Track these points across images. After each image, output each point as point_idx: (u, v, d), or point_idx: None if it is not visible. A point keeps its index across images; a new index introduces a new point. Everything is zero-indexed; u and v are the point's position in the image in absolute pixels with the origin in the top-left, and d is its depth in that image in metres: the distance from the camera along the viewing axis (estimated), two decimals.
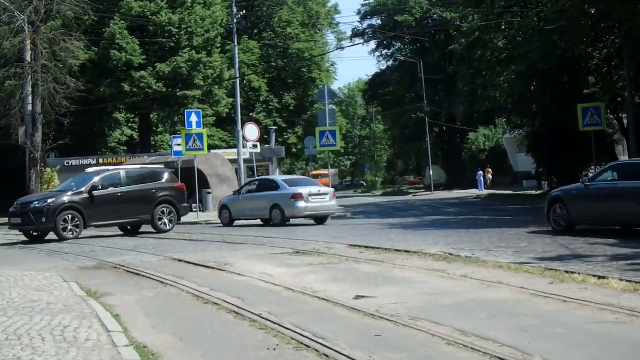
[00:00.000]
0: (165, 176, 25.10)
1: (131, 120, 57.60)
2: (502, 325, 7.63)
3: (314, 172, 78.71)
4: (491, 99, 41.72)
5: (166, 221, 24.43)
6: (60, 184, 28.42)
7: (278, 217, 25.46)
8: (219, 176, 39.64)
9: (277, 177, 28.47)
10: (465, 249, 14.42)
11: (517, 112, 39.69)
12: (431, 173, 61.55)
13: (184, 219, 27.41)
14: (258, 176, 35.76)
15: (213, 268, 13.25)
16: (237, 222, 27.18)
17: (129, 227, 24.82)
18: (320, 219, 25.98)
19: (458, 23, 51.40)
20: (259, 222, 26.82)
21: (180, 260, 14.81)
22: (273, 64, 63.56)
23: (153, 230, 24.26)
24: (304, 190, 25.34)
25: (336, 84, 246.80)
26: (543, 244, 14.82)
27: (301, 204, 25.15)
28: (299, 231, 22.15)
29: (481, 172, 54.39)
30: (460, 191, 55.89)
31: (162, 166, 27.87)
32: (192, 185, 32.80)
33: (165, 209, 24.45)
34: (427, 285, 10.25)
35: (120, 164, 42.41)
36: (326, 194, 25.93)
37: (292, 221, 25.84)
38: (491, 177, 55.60)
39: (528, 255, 13.21)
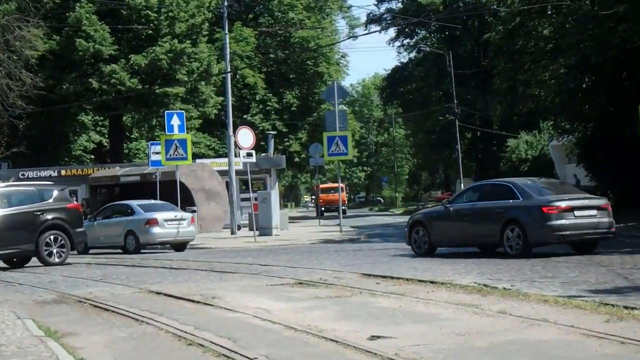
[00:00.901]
0: (54, 195, 23.95)
1: (100, 123, 57.72)
2: None
3: (323, 186, 78.28)
4: (535, 98, 41.65)
5: (55, 251, 23.22)
6: None
7: (132, 244, 28.35)
8: (205, 191, 39.70)
9: (133, 201, 30.69)
10: (503, 280, 14.44)
11: (565, 114, 39.60)
12: (462, 187, 61.47)
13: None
14: (253, 191, 35.84)
15: (198, 302, 13.27)
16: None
17: (15, 259, 23.77)
18: (178, 246, 29.37)
19: (495, 7, 51.48)
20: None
21: (158, 293, 14.84)
22: (272, 55, 63.70)
23: (125, 256, 24.23)
24: (159, 216, 28.62)
25: (348, 79, 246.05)
26: (597, 274, 14.82)
27: (156, 230, 28.44)
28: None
29: None
30: None
31: (52, 183, 26.95)
32: (173, 202, 32.87)
33: (53, 236, 23.26)
34: (456, 324, 10.25)
35: (87, 175, 42.63)
36: (183, 220, 29.21)
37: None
38: None
39: (579, 287, 13.21)
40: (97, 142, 58.22)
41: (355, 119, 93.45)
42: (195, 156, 45.60)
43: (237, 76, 57.32)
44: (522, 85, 42.20)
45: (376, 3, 76.02)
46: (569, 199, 19.39)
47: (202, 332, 10.28)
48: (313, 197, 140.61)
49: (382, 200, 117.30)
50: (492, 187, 21.35)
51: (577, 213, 19.06)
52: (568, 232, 18.90)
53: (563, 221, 18.83)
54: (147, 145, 39.95)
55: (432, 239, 21.13)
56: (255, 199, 35.28)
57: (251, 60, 60.10)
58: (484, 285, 13.63)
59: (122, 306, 13.10)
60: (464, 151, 65.99)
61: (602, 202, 20.38)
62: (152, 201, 31.73)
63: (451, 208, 21.04)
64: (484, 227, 19.89)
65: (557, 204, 19.00)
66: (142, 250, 28.42)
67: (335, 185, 74.59)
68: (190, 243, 30.53)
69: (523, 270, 15.95)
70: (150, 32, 45.37)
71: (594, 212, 19.46)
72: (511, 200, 19.53)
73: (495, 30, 46.49)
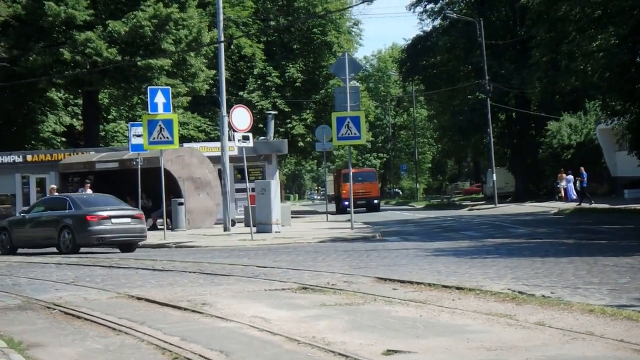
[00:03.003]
0: None
1: (72, 101, 57.73)
2: None
3: (346, 171, 73.42)
4: (580, 74, 41.59)
5: None
6: None
7: None
8: (194, 180, 39.74)
9: None
10: (542, 286, 14.42)
11: (616, 92, 39.55)
12: (494, 178, 61.49)
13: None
14: (250, 181, 35.83)
15: (185, 309, 13.27)
16: None
17: None
18: None
19: None
20: None
21: (139, 298, 14.83)
22: (272, 22, 63.66)
23: (96, 253, 24.27)
24: None
25: (361, 51, 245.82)
26: None
27: None
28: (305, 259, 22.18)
29: (570, 177, 54.04)
30: (535, 204, 55.76)
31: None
32: (156, 192, 32.89)
33: None
34: (487, 337, 10.24)
35: (58, 161, 42.66)
36: None
37: None
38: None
39: (630, 294, 13.17)
40: (68, 124, 58.18)
41: (370, 97, 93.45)
42: (182, 139, 45.61)
43: (232, 46, 57.34)
44: (565, 59, 42.08)
45: None
46: (110, 209, 28.37)
47: (190, 344, 10.28)
48: (321, 187, 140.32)
49: (401, 192, 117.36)
50: (55, 200, 31.08)
51: (114, 221, 28.02)
52: (106, 236, 27.88)
53: (102, 227, 27.80)
54: (127, 127, 39.94)
55: (14, 241, 29.96)
56: (253, 189, 35.27)
57: (248, 28, 60.07)
58: (519, 292, 13.61)
59: (96, 313, 13.10)
60: (496, 135, 65.96)
61: (136, 212, 29.56)
62: None
63: (26, 216, 30.31)
64: (48, 231, 28.83)
65: (99, 213, 27.96)
66: None
67: (363, 170, 74.17)
68: (176, 240, 30.54)
69: (565, 274, 15.92)
70: None
71: (128, 220, 28.48)
72: (67, 211, 28.55)
73: None
